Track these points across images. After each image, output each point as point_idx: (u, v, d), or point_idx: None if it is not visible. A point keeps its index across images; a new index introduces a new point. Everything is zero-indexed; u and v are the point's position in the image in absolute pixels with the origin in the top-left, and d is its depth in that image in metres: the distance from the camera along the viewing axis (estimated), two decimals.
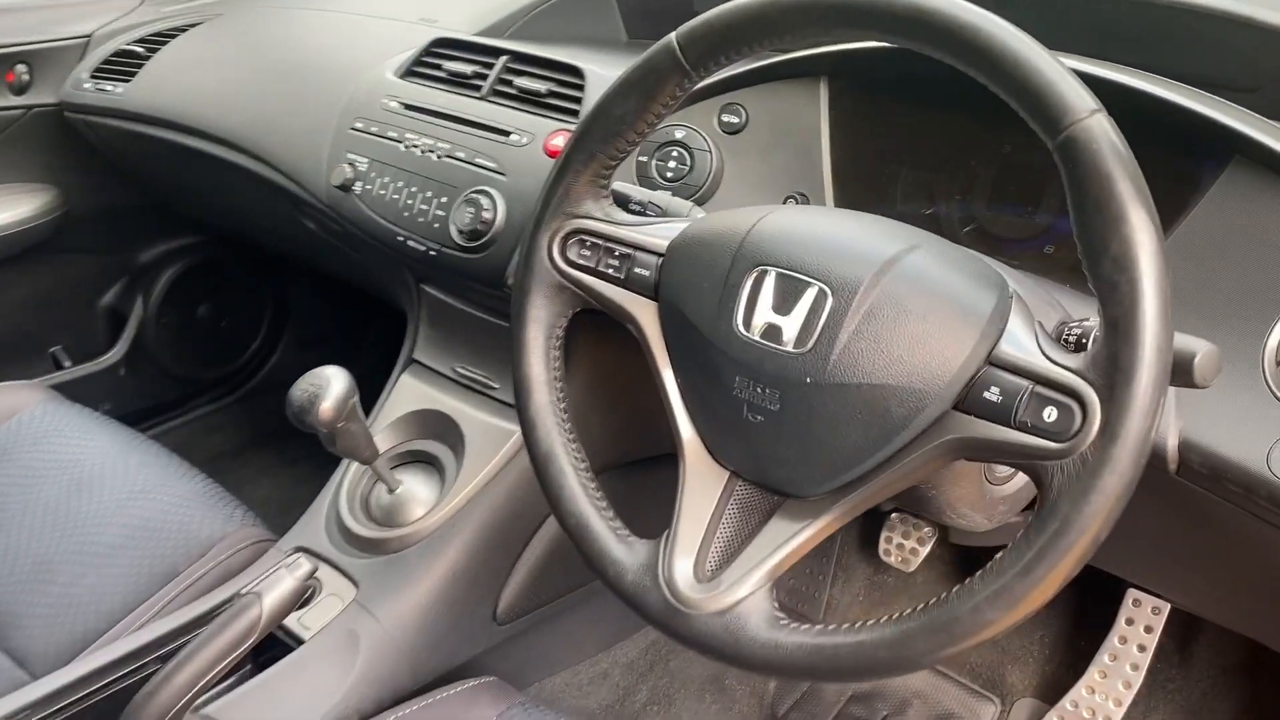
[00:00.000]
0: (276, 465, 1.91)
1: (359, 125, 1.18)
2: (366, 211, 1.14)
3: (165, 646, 0.99)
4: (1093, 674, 1.34)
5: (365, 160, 1.16)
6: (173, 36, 1.48)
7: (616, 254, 0.75)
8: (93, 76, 1.49)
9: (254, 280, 1.93)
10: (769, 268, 0.65)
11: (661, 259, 0.74)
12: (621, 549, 0.70)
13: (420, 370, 1.21)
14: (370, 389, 2.01)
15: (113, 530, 1.14)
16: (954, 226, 0.90)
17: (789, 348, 0.63)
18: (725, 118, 0.96)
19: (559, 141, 1.03)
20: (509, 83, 1.12)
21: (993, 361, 0.58)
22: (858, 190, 0.95)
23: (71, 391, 1.68)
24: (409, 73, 1.21)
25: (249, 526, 1.16)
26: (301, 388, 0.97)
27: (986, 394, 0.58)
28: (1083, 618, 1.44)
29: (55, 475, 1.21)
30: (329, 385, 0.96)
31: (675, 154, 0.96)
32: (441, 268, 1.09)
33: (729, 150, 0.96)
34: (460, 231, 1.05)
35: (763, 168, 0.96)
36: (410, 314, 1.24)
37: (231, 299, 1.91)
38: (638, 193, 0.83)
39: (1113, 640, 1.34)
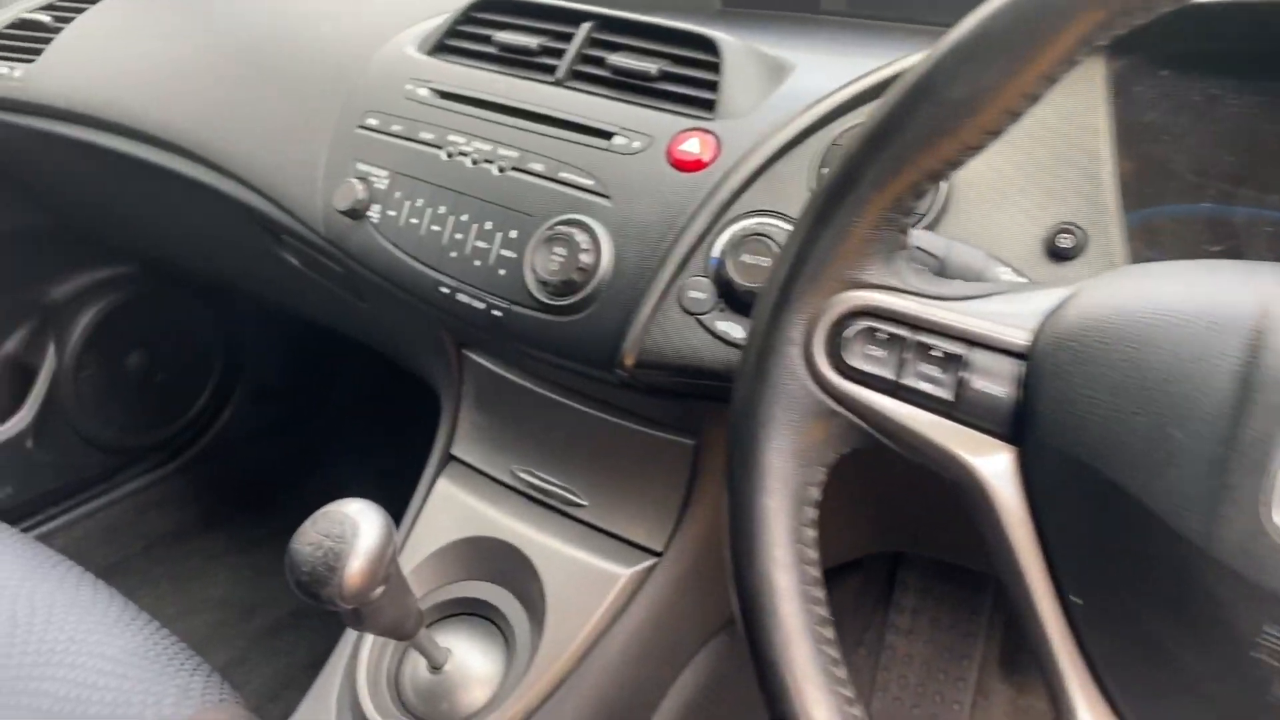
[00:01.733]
0: (234, 551, 1.52)
1: (373, 123, 0.81)
2: (387, 248, 0.77)
3: None
4: None
5: (384, 174, 0.79)
6: (91, 2, 1.09)
7: (936, 354, 0.41)
8: None
9: (199, 318, 1.53)
10: None
11: (1027, 364, 0.40)
12: None
13: (463, 473, 0.84)
14: (352, 464, 1.64)
15: (25, 714, 0.76)
16: None
17: None
18: None
19: (693, 148, 0.68)
20: (599, 60, 0.76)
21: None
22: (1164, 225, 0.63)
23: None
24: (441, 47, 0.84)
25: (216, 708, 0.79)
26: (310, 540, 0.60)
27: None
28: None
29: None
30: (356, 536, 0.60)
31: None
32: (508, 334, 0.73)
33: None
34: (543, 283, 0.69)
35: (1012, 179, 0.63)
36: (446, 390, 0.87)
37: (170, 344, 1.51)
38: (937, 242, 0.49)
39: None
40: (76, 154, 1.06)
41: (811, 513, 0.43)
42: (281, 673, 1.35)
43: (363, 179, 0.79)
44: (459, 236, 0.74)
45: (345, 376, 1.75)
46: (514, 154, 0.74)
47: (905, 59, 0.66)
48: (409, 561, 0.78)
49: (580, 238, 0.68)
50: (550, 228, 0.70)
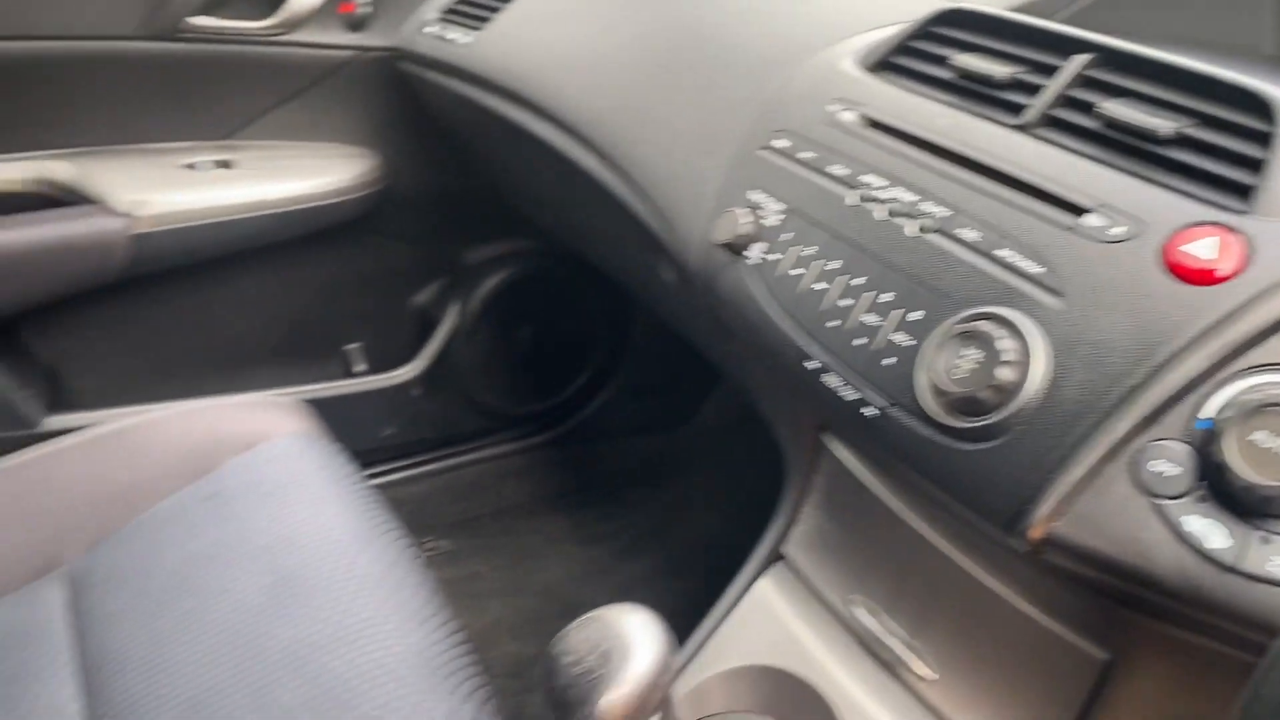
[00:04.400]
0: (573, 540, 1.50)
1: (781, 145, 0.68)
2: (759, 298, 0.64)
3: None
4: None
5: (779, 208, 0.65)
6: None
7: None
8: (441, 18, 1.12)
9: (590, 303, 1.52)
10: None
11: None
12: None
13: (789, 582, 0.69)
14: (711, 480, 1.55)
15: (295, 688, 0.74)
16: None
17: None
18: None
19: (1207, 250, 0.46)
20: (1086, 106, 0.56)
21: None
22: None
23: (352, 407, 1.37)
24: (885, 64, 0.68)
25: None
26: (572, 652, 0.49)
27: None
28: None
29: (262, 562, 0.84)
30: (626, 657, 0.48)
31: None
32: (880, 440, 0.56)
33: None
34: (939, 391, 0.52)
35: None
36: (793, 475, 0.72)
37: (560, 323, 1.51)
38: None
39: None
40: (501, 128, 1.05)
41: None
42: None
43: (753, 210, 0.66)
44: (846, 303, 0.58)
45: (722, 389, 1.67)
46: (942, 212, 0.56)
47: None
48: (695, 673, 0.64)
49: (1005, 343, 0.50)
50: (966, 320, 0.52)
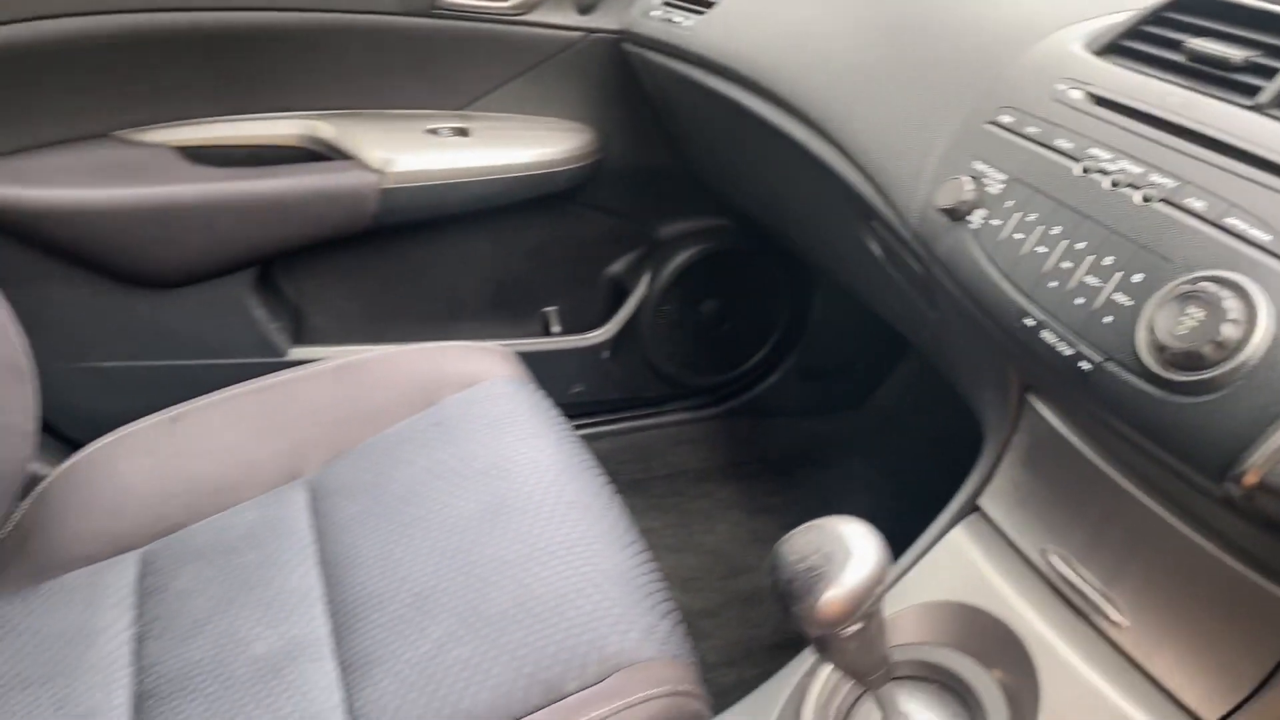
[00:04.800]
0: (741, 508, 1.57)
1: (1005, 120, 0.72)
2: (979, 260, 0.68)
3: None
4: None
5: (1001, 178, 0.70)
6: None
7: None
8: (665, 3, 1.20)
9: (774, 284, 1.57)
10: None
11: None
12: None
13: (984, 532, 0.73)
14: (877, 469, 1.59)
15: (510, 592, 0.83)
16: None
17: None
18: None
19: None
20: None
21: None
22: None
23: (547, 364, 1.47)
24: (1115, 47, 0.72)
25: (671, 662, 0.79)
26: (796, 550, 0.55)
27: None
28: None
29: (479, 483, 0.94)
30: (846, 561, 0.54)
31: None
32: (1092, 393, 0.60)
33: None
34: (1159, 346, 0.55)
35: None
36: (993, 433, 0.77)
37: (743, 302, 1.58)
38: None
39: None
40: (716, 105, 1.12)
41: None
42: (744, 641, 1.36)
43: (976, 179, 0.71)
44: (1066, 265, 0.62)
45: (898, 379, 1.69)
46: (1170, 183, 0.60)
47: None
48: (890, 605, 0.70)
49: (1230, 304, 0.53)
50: (1191, 281, 0.55)
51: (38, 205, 1.12)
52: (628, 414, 1.60)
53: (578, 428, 1.59)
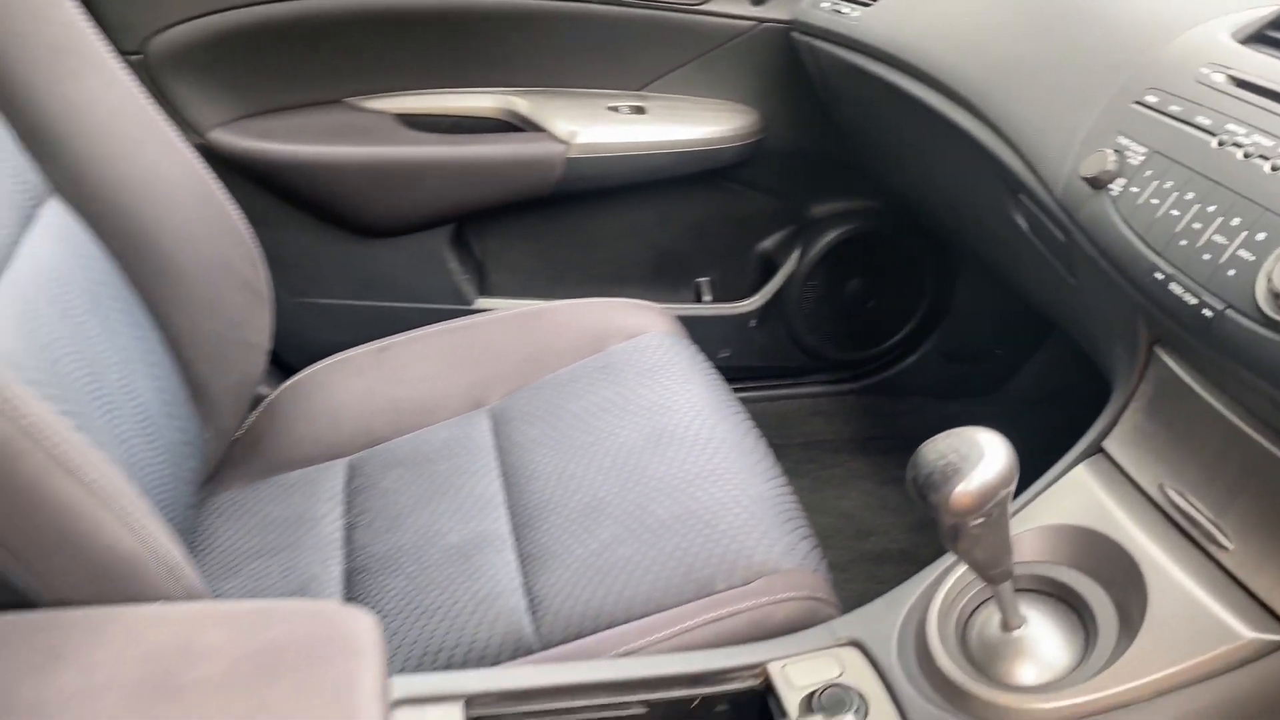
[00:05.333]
0: (872, 479, 1.65)
1: (1150, 99, 0.80)
2: (1117, 224, 0.77)
3: (658, 691, 0.77)
4: None
5: (1142, 151, 0.78)
6: None
7: None
8: None
9: (918, 267, 1.65)
10: None
11: None
12: None
13: (1106, 470, 0.81)
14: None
15: (669, 506, 0.95)
16: None
17: None
18: None
19: None
20: None
21: None
22: None
23: (697, 328, 1.59)
24: (1260, 36, 0.79)
25: (806, 572, 0.90)
26: (937, 450, 0.65)
27: None
28: None
29: (642, 417, 1.07)
30: (979, 461, 0.63)
31: None
32: (1213, 339, 0.68)
33: None
34: (1277, 295, 0.63)
35: None
36: (1120, 382, 0.84)
37: (887, 282, 1.66)
38: None
39: None
40: (875, 91, 1.22)
41: None
42: (870, 595, 1.44)
43: (1118, 151, 0.79)
44: (1197, 226, 0.70)
45: (1032, 368, 1.74)
46: None
47: None
48: (1019, 524, 0.78)
49: None
50: None
51: (281, 158, 1.32)
52: (769, 382, 1.70)
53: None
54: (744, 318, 1.62)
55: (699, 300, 1.62)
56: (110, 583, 0.66)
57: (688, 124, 1.43)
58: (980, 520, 0.64)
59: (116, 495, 0.67)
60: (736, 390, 1.69)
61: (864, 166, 1.49)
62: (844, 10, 1.26)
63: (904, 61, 1.13)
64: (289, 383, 1.21)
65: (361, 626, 0.63)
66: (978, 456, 0.64)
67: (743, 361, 1.66)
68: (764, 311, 1.62)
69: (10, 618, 0.62)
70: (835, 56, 1.27)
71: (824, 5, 1.31)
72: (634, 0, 1.35)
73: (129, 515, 0.67)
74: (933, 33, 1.12)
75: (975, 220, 1.20)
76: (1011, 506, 0.66)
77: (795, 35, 1.37)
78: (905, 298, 1.68)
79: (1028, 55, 0.97)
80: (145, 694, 0.56)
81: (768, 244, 1.63)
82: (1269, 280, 0.64)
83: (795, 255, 1.60)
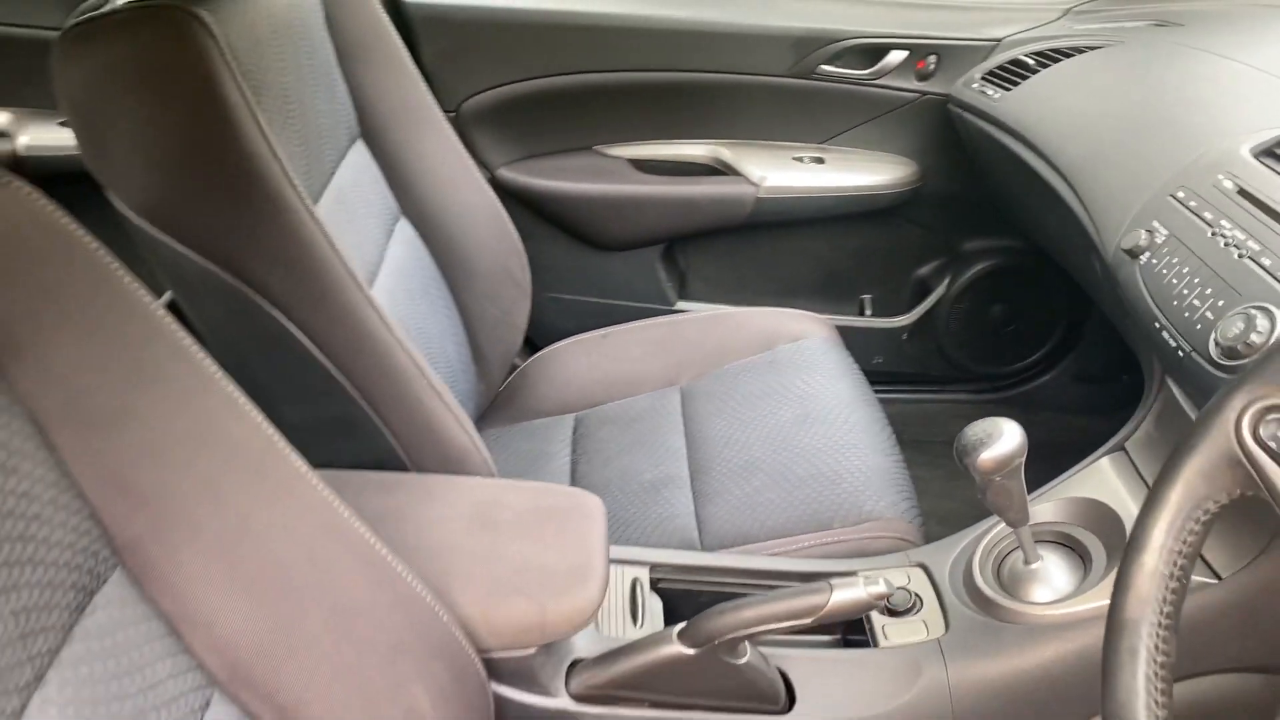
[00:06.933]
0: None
1: (1180, 195, 1.09)
2: (1139, 285, 1.06)
3: (772, 581, 1.14)
4: None
5: (1165, 233, 1.07)
6: (1066, 56, 1.51)
7: None
8: (983, 78, 1.61)
9: (1054, 295, 1.92)
10: None
11: None
12: None
13: (1123, 464, 1.11)
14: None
15: (807, 465, 1.32)
16: None
17: None
18: None
19: None
20: None
21: None
22: None
23: (857, 336, 1.93)
24: (1270, 153, 1.06)
25: (902, 521, 1.24)
26: (976, 430, 0.98)
27: None
28: None
29: (796, 402, 1.43)
30: (999, 438, 0.96)
31: None
32: (1185, 374, 0.97)
33: None
34: (1217, 344, 0.92)
35: None
36: (1144, 399, 1.14)
37: (1027, 308, 1.94)
38: None
39: None
40: (1006, 156, 1.52)
41: (1201, 517, 0.66)
42: None
43: (1149, 231, 1.08)
44: (1185, 292, 1.00)
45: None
46: (1256, 247, 0.95)
47: None
48: (1051, 494, 1.10)
49: (1261, 322, 0.89)
50: (1244, 307, 0.92)
51: (546, 190, 1.77)
52: (918, 387, 2.01)
53: (875, 392, 2.04)
54: (897, 331, 1.94)
55: (861, 314, 1.96)
56: (452, 462, 1.10)
57: (859, 173, 1.77)
58: (999, 478, 0.96)
59: (456, 410, 1.11)
60: (889, 392, 2.03)
61: (1005, 213, 1.79)
62: (989, 92, 1.57)
63: (1025, 138, 1.43)
64: (536, 356, 1.65)
65: (594, 504, 1.04)
66: (999, 435, 0.96)
67: (894, 368, 1.98)
68: (915, 327, 1.94)
69: (399, 475, 1.07)
70: (978, 127, 1.58)
71: (974, 86, 1.61)
72: (821, 74, 1.70)
73: (464, 423, 1.10)
74: (1051, 118, 1.41)
75: (1073, 262, 1.49)
76: (1022, 474, 0.98)
77: (950, 107, 1.68)
78: (1042, 323, 1.95)
79: (1116, 145, 1.26)
80: (476, 522, 0.99)
81: (923, 271, 1.94)
82: (1217, 334, 0.93)
83: (946, 281, 1.91)
